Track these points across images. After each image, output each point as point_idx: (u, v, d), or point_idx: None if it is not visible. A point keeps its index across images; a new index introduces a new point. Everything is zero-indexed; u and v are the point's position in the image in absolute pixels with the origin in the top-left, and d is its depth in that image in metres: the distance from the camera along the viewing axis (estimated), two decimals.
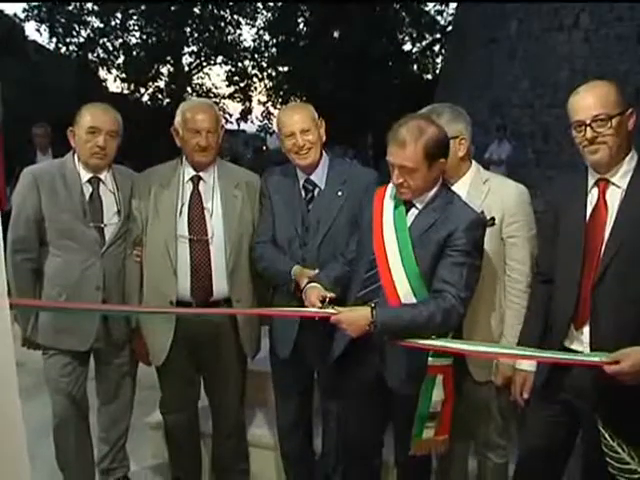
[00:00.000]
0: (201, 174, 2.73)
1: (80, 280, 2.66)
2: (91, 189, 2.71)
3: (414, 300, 2.16)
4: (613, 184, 2.03)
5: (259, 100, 23.20)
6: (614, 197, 2.03)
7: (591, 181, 2.09)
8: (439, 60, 21.27)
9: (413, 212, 2.23)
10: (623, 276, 1.98)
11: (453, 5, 19.39)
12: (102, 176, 2.74)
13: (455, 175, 2.40)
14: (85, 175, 2.71)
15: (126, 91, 21.09)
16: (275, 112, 22.88)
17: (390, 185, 2.31)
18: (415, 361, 2.19)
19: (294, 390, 2.81)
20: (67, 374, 2.74)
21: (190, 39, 21.50)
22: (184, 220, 2.67)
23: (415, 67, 22.19)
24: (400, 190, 2.19)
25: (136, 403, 3.00)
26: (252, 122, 23.59)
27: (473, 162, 2.47)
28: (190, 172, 2.73)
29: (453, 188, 2.34)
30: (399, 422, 2.39)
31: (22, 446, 1.19)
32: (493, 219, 2.32)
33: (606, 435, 1.74)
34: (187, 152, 2.71)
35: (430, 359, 2.16)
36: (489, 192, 2.37)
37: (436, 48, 21.87)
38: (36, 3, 19.04)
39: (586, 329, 2.07)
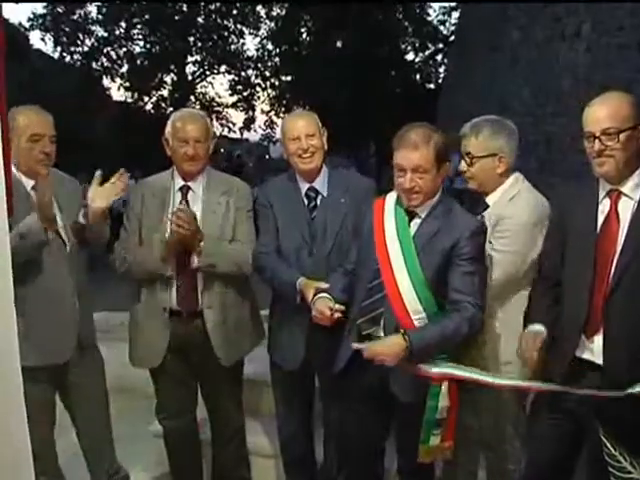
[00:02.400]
0: (190, 184, 2.73)
1: (60, 289, 2.53)
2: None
3: (420, 308, 2.19)
4: (625, 195, 2.04)
5: (262, 109, 23.38)
6: (626, 208, 2.04)
7: (602, 192, 2.10)
8: (441, 69, 21.39)
9: (416, 222, 2.26)
10: (636, 286, 1.98)
11: (456, 15, 19.49)
12: None
13: (491, 190, 2.43)
14: (28, 182, 2.52)
15: (130, 100, 21.25)
16: (278, 121, 22.98)
17: (389, 195, 2.33)
18: None
19: (296, 399, 2.80)
20: (43, 397, 2.52)
21: (194, 48, 21.68)
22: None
23: (418, 76, 22.23)
24: (411, 196, 2.20)
25: (138, 411, 2.97)
26: (255, 131, 23.83)
27: (512, 177, 2.43)
28: (180, 182, 2.74)
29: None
30: (402, 430, 2.38)
31: (26, 449, 1.20)
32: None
33: (608, 444, 1.74)
34: (176, 161, 2.71)
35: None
36: (508, 205, 2.38)
37: (439, 57, 22.00)
38: (42, 12, 19.20)
39: (597, 338, 2.06)
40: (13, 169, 2.42)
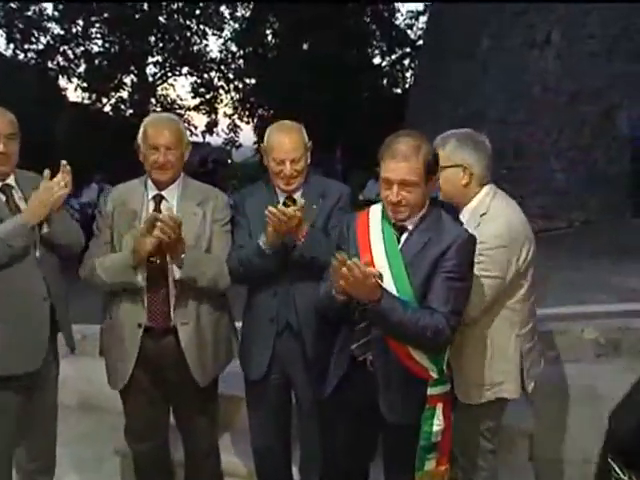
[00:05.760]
0: (163, 193, 2.63)
1: (26, 291, 2.53)
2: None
3: None
4: None
5: (225, 112, 23.26)
6: None
7: None
8: (409, 74, 21.55)
9: (405, 235, 2.20)
10: None
11: (423, 19, 19.64)
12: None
13: (462, 202, 2.45)
14: None
15: (87, 101, 20.88)
16: (241, 125, 23.11)
17: (372, 210, 2.28)
18: (412, 391, 2.17)
19: (272, 412, 2.73)
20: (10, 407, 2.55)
21: (155, 49, 21.47)
22: None
23: (385, 81, 22.33)
24: (397, 209, 2.14)
25: (103, 430, 3.02)
26: (218, 135, 23.60)
27: (483, 190, 2.46)
28: (153, 191, 2.64)
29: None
30: (390, 450, 2.34)
31: None
32: None
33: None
34: (147, 169, 2.61)
35: (431, 389, 2.15)
36: (480, 224, 2.38)
37: (406, 62, 22.13)
38: None
39: None
40: None
